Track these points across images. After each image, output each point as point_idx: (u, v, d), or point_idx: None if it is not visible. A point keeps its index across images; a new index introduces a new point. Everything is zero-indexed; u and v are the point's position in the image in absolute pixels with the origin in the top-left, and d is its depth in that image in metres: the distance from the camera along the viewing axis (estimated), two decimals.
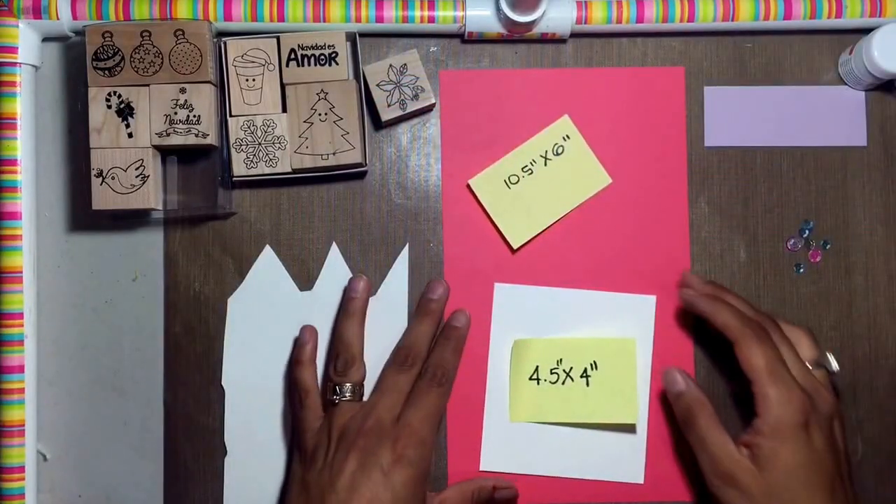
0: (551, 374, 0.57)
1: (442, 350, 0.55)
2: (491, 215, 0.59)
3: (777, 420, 0.50)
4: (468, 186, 0.59)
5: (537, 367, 0.57)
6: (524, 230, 0.58)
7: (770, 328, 0.54)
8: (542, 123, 0.59)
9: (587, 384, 0.57)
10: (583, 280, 0.59)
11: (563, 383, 0.57)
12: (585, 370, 0.57)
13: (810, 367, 0.54)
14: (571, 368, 0.57)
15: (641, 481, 0.57)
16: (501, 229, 0.58)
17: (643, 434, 0.58)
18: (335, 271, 0.59)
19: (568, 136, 0.59)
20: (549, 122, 0.59)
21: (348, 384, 0.54)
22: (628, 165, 0.59)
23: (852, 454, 0.57)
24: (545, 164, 0.59)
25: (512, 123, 0.59)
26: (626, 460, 0.58)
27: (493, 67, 0.60)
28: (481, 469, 0.57)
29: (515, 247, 0.58)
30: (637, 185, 0.59)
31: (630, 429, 0.58)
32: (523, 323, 0.58)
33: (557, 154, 0.59)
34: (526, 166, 0.59)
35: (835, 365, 0.54)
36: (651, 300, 0.58)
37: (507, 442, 0.58)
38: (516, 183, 0.59)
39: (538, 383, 0.57)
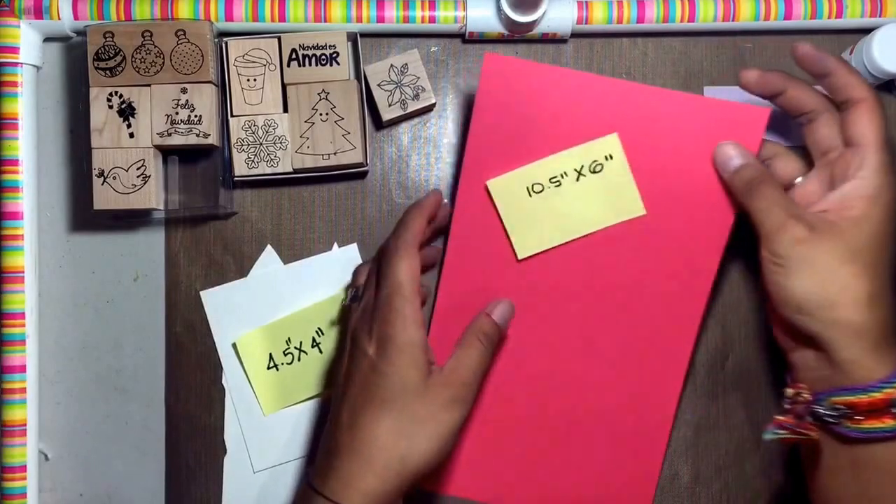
0: (285, 355, 0.57)
1: None
2: (503, 221, 0.54)
3: (879, 186, 0.48)
4: (485, 188, 0.54)
5: (270, 354, 0.57)
6: (535, 242, 0.54)
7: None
8: (584, 136, 0.53)
9: (319, 352, 0.57)
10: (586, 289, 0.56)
11: (299, 360, 0.57)
12: (313, 339, 0.57)
13: None
14: (301, 343, 0.57)
15: None
16: (511, 237, 0.54)
17: None
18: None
19: (611, 157, 0.53)
20: (591, 137, 0.53)
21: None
22: (669, 203, 0.53)
23: None
24: (577, 180, 0.53)
25: (551, 128, 0.53)
26: None
27: None
28: (256, 470, 0.56)
29: (521, 257, 0.55)
30: (673, 225, 0.53)
31: None
32: (242, 320, 0.58)
33: (594, 172, 0.53)
34: (555, 178, 0.53)
35: None
36: (352, 247, 0.58)
37: (274, 434, 0.56)
38: (539, 192, 0.53)
39: (277, 369, 0.57)
